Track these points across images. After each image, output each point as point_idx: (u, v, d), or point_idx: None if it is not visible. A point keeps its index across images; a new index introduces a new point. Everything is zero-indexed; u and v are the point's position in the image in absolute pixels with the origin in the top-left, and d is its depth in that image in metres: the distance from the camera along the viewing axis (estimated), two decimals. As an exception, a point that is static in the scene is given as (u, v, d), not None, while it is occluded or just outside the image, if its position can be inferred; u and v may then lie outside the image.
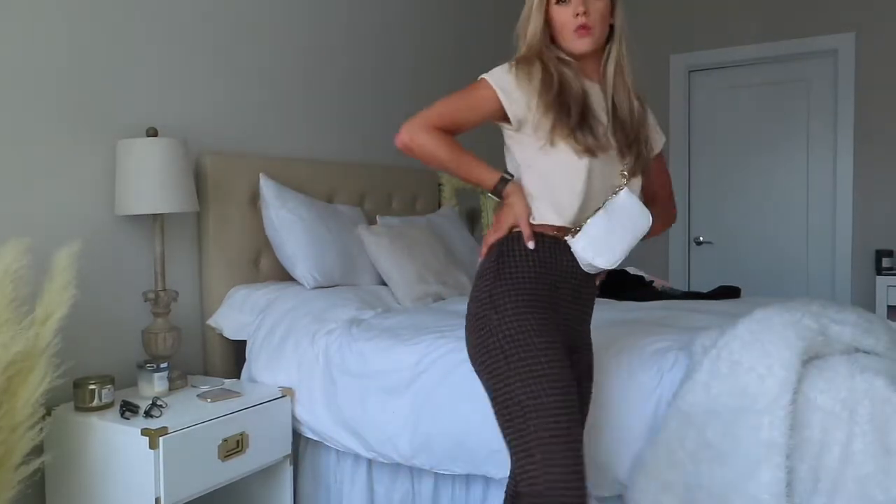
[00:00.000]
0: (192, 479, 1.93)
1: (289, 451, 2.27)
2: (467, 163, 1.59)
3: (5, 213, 2.03)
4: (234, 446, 2.04)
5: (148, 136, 2.25)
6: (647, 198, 1.69)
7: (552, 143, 1.52)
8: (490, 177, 1.59)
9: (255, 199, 2.71)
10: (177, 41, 2.53)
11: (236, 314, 2.54)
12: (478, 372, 1.53)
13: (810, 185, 4.30)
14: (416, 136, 1.57)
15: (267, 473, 2.28)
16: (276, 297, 2.53)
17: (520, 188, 1.57)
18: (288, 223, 2.64)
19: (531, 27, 1.57)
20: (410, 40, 3.75)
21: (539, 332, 1.47)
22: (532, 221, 1.56)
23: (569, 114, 1.51)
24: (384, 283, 2.80)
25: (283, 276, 2.74)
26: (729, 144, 4.52)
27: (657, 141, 1.74)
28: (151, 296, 2.26)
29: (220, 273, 2.59)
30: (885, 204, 4.04)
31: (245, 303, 2.54)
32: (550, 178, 1.55)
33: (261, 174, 2.70)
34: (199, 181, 2.53)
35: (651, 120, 1.71)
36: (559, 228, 1.56)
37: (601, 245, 1.54)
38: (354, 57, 3.37)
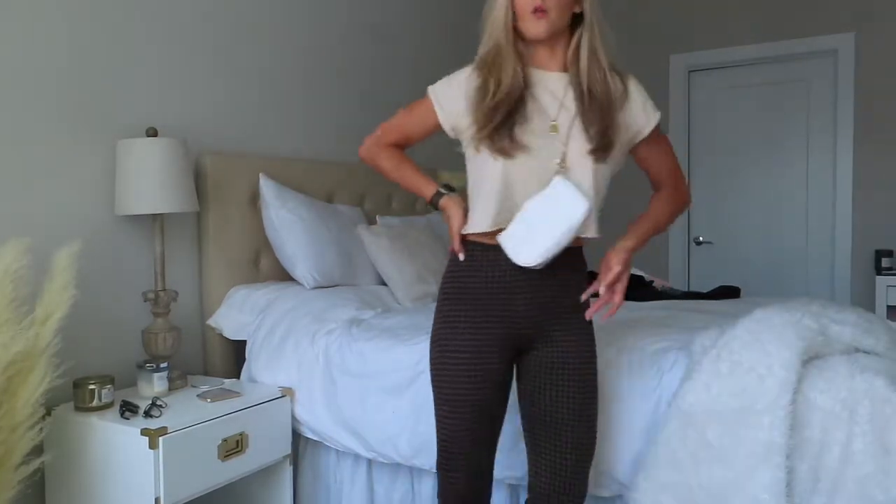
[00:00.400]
0: (191, 479, 1.93)
1: (288, 451, 2.27)
2: (409, 176, 1.74)
3: (5, 212, 2.03)
4: (233, 446, 2.04)
5: (148, 136, 2.25)
6: (652, 183, 1.72)
7: (477, 150, 1.57)
8: (428, 190, 1.71)
9: (255, 199, 2.71)
10: (177, 41, 2.53)
11: (236, 314, 2.54)
12: None
13: (810, 186, 4.30)
14: (369, 150, 1.79)
15: (267, 473, 2.28)
16: (276, 297, 2.53)
17: (455, 201, 1.66)
18: (288, 223, 2.64)
19: (495, 11, 1.57)
20: (410, 40, 3.75)
21: (453, 349, 1.61)
22: (467, 231, 1.61)
23: (491, 119, 1.54)
24: (384, 283, 2.80)
25: (283, 276, 2.74)
26: (729, 144, 4.52)
27: (647, 120, 1.65)
28: (151, 296, 2.26)
29: (219, 273, 2.59)
30: (885, 204, 4.03)
31: (245, 303, 2.54)
32: (478, 184, 1.59)
33: (261, 174, 2.70)
34: (198, 181, 2.53)
35: (638, 101, 1.64)
36: (493, 233, 1.56)
37: (522, 241, 1.52)
38: (354, 57, 3.37)
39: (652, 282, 3.16)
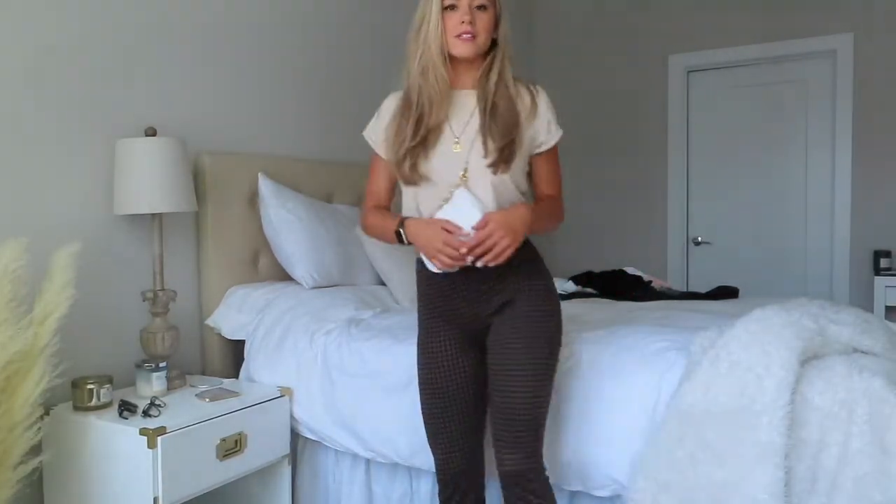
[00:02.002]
0: (190, 478, 1.93)
1: (287, 450, 2.27)
2: (381, 223, 1.80)
3: (4, 212, 2.03)
4: (232, 446, 2.04)
5: (147, 135, 2.24)
6: (535, 194, 1.82)
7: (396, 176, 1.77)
8: (390, 228, 1.75)
9: (253, 198, 2.71)
10: (175, 41, 2.53)
11: (235, 314, 2.54)
12: None
13: (809, 186, 4.31)
14: (363, 225, 1.89)
15: (265, 473, 2.28)
16: (275, 297, 2.53)
17: (415, 223, 1.70)
18: (287, 223, 2.64)
19: (430, 30, 1.67)
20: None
21: (422, 344, 1.81)
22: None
23: (403, 154, 1.70)
24: (383, 283, 2.80)
25: (282, 275, 2.74)
26: (727, 145, 4.52)
27: (549, 137, 1.77)
28: (150, 295, 2.26)
29: (218, 273, 2.59)
30: (884, 204, 4.04)
31: (244, 302, 2.54)
32: (404, 208, 1.78)
33: (259, 174, 2.70)
34: (197, 181, 2.53)
35: (545, 116, 1.76)
36: None
37: None
38: (353, 56, 3.37)
39: (650, 282, 3.16)
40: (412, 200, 1.75)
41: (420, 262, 1.78)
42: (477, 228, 1.61)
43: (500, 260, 1.62)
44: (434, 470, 1.87)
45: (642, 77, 4.66)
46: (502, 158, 1.67)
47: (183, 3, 2.55)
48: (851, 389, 1.58)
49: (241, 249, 2.67)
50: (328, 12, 3.22)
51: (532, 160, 1.79)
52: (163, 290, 2.28)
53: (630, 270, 3.28)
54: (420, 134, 1.68)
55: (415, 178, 1.70)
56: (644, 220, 4.64)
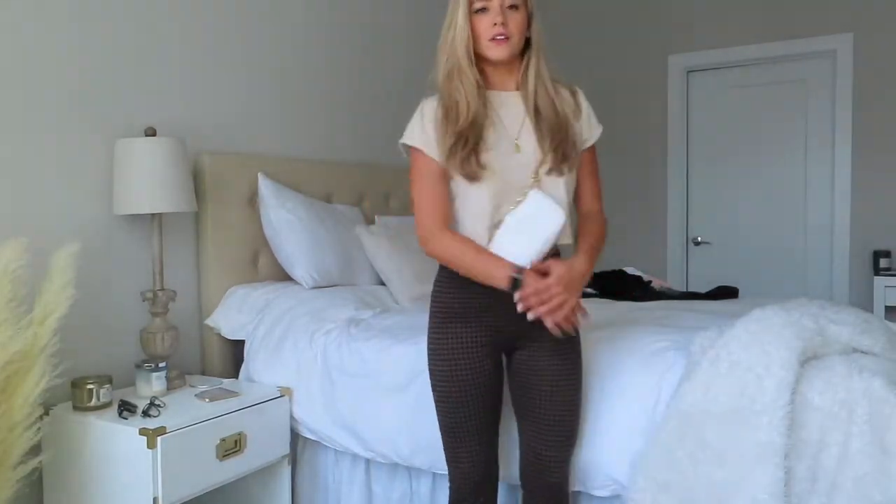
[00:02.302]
0: (189, 478, 1.93)
1: (287, 450, 2.27)
2: (473, 260, 1.63)
3: (4, 212, 2.03)
4: (232, 446, 2.04)
5: (146, 135, 2.24)
6: (578, 210, 1.79)
7: (452, 175, 1.64)
8: (500, 274, 1.59)
9: (253, 198, 2.71)
10: (175, 41, 2.53)
11: (234, 314, 2.54)
12: None
13: (808, 186, 4.31)
14: (439, 244, 1.66)
15: (265, 473, 2.28)
16: (275, 297, 2.53)
17: (530, 276, 1.57)
18: (286, 223, 2.63)
19: (457, 34, 1.65)
20: (408, 40, 3.75)
21: (446, 357, 1.72)
22: None
23: (457, 147, 1.61)
24: (382, 283, 2.80)
25: (282, 275, 2.74)
26: (727, 145, 4.52)
27: (591, 133, 1.76)
28: (150, 295, 2.26)
29: (218, 273, 2.59)
30: (883, 204, 4.04)
31: (243, 302, 2.54)
32: (461, 206, 1.67)
33: (259, 174, 2.70)
34: (197, 181, 2.53)
35: (586, 113, 1.76)
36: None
37: (506, 255, 1.60)
38: (353, 56, 3.37)
39: (650, 282, 3.16)
40: (473, 196, 1.63)
41: (448, 275, 1.70)
42: (534, 264, 1.58)
43: (555, 318, 1.55)
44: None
45: (642, 77, 4.66)
46: (558, 160, 1.64)
47: (183, 3, 2.55)
48: (851, 389, 1.58)
49: (240, 249, 2.67)
50: (328, 13, 3.22)
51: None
52: (162, 290, 2.28)
53: (630, 270, 3.27)
54: (465, 136, 1.62)
55: (482, 174, 1.61)
56: (644, 219, 4.64)
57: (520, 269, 1.57)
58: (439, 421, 1.76)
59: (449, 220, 1.67)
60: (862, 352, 1.75)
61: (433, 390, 1.75)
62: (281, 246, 2.64)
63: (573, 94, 1.75)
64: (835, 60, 4.14)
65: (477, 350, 1.68)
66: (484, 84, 1.68)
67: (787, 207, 4.37)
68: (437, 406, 1.75)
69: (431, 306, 1.77)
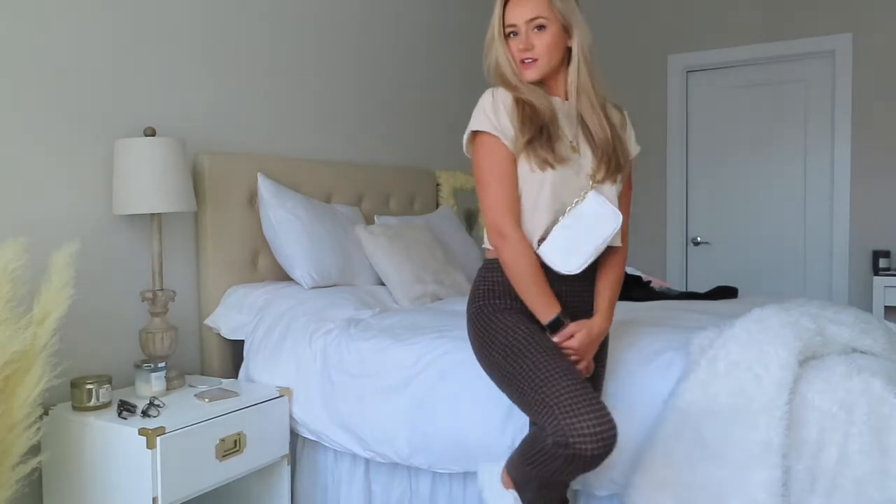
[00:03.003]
0: (189, 478, 1.93)
1: (286, 450, 2.27)
2: (536, 288, 1.65)
3: (3, 212, 2.03)
4: (231, 446, 2.04)
5: (146, 135, 2.24)
6: None
7: (527, 162, 1.65)
8: (547, 314, 1.65)
9: (253, 198, 2.71)
10: (175, 41, 2.53)
11: (234, 314, 2.54)
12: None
13: (808, 186, 4.31)
14: (514, 249, 1.64)
15: (264, 473, 2.28)
16: (274, 297, 2.53)
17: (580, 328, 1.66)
18: (286, 223, 2.64)
19: (496, 56, 1.71)
20: (408, 40, 3.75)
21: (509, 322, 1.67)
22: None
23: (530, 131, 1.63)
24: (382, 283, 2.80)
25: (281, 275, 2.74)
26: (726, 145, 4.52)
27: (633, 150, 1.82)
28: (149, 295, 2.26)
29: (217, 273, 2.59)
30: (883, 204, 4.04)
31: (243, 302, 2.54)
32: (530, 195, 1.67)
33: (259, 174, 2.70)
34: (196, 181, 2.53)
35: (629, 129, 1.82)
36: (540, 239, 1.67)
37: (566, 252, 1.64)
38: (352, 56, 3.37)
39: (650, 282, 3.16)
40: (548, 184, 1.64)
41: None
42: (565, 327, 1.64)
43: None
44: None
45: (642, 77, 4.66)
46: (611, 169, 1.69)
47: (183, 3, 2.55)
48: (850, 390, 1.58)
49: (240, 249, 2.67)
50: (328, 12, 3.22)
51: None
52: (162, 290, 2.28)
53: (629, 270, 3.27)
54: (546, 127, 1.65)
55: (555, 162, 1.63)
56: (643, 220, 4.64)
57: (563, 314, 1.64)
58: (523, 377, 1.56)
59: (520, 216, 1.67)
60: (861, 352, 1.75)
61: (503, 351, 1.62)
62: (280, 246, 2.64)
63: (619, 109, 1.81)
64: (834, 60, 4.14)
65: (531, 315, 1.68)
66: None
67: (786, 207, 4.37)
68: (517, 361, 1.58)
69: (481, 284, 1.73)
